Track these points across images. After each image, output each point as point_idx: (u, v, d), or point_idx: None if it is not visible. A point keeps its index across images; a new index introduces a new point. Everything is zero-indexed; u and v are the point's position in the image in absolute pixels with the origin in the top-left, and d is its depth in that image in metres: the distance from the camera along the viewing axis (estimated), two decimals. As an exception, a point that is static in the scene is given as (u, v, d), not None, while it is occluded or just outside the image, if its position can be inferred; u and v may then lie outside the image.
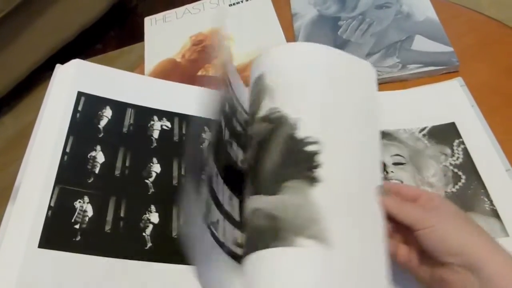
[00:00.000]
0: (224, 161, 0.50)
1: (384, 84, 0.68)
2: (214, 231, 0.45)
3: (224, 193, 0.49)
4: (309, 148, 0.47)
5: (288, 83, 0.52)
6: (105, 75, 0.62)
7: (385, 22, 0.75)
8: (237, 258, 0.46)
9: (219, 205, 0.48)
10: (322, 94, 0.52)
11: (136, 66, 0.86)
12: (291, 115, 0.49)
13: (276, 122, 0.50)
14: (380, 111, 0.54)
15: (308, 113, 0.50)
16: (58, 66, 0.61)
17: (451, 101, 0.63)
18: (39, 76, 1.52)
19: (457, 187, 0.55)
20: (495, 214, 0.53)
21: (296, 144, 0.48)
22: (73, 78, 0.59)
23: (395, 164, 0.58)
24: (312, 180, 0.46)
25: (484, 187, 0.55)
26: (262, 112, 0.51)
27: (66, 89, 0.58)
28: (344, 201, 0.46)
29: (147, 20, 0.90)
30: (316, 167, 0.46)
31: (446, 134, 0.60)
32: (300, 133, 0.48)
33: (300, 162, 0.47)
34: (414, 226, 0.43)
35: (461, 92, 0.64)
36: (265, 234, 0.44)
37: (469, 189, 0.55)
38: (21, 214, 0.48)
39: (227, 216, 0.48)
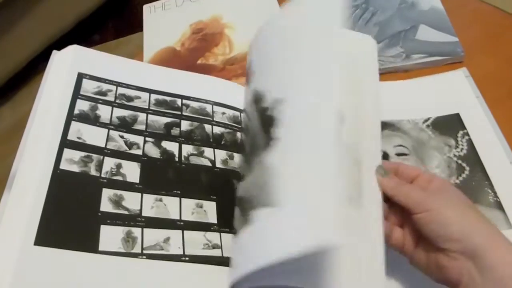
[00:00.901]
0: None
1: (388, 74, 0.66)
2: None
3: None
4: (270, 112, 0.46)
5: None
6: (108, 60, 0.61)
7: (389, 11, 0.74)
8: None
9: None
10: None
11: (134, 56, 0.85)
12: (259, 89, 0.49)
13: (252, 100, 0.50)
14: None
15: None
16: (55, 52, 0.60)
17: (456, 92, 0.62)
18: (36, 66, 1.51)
19: (460, 178, 0.55)
20: (499, 206, 0.52)
21: (260, 112, 0.47)
22: (72, 61, 0.58)
23: (398, 154, 0.57)
24: (268, 140, 0.45)
25: (488, 179, 0.54)
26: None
27: (65, 71, 0.57)
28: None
29: (146, 8, 0.89)
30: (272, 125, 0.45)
31: (450, 125, 0.59)
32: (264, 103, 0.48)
33: (263, 127, 0.46)
34: (413, 209, 0.41)
35: (466, 83, 0.63)
36: (237, 221, 0.45)
37: (473, 181, 0.54)
38: (18, 203, 0.47)
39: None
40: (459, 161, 0.56)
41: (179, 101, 0.60)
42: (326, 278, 0.40)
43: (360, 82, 0.51)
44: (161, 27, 0.85)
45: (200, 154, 0.55)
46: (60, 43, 0.62)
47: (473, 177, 0.54)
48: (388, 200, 0.44)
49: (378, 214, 0.43)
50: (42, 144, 0.51)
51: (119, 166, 0.52)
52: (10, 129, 1.41)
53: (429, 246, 0.41)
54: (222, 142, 0.57)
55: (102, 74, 0.58)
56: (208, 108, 0.60)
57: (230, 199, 0.52)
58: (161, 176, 0.53)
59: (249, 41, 0.76)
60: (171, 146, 0.55)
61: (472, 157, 0.56)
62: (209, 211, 0.51)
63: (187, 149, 0.56)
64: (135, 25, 0.95)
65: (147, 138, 0.55)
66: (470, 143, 0.57)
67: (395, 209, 0.44)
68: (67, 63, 0.58)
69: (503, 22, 0.70)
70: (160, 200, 0.51)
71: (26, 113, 0.53)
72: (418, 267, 0.42)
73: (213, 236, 0.49)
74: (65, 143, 0.51)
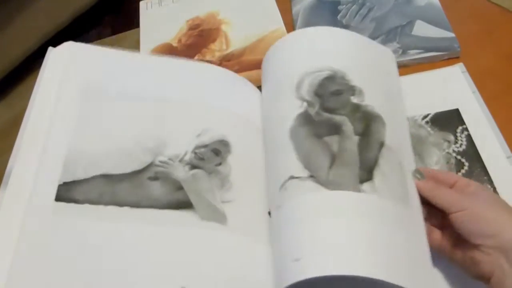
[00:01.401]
0: None
1: (385, 69, 0.66)
2: None
3: None
4: None
5: None
6: (104, 57, 0.60)
7: (385, 6, 0.74)
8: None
9: None
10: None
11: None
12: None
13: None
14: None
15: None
16: (50, 49, 0.59)
17: (453, 87, 0.62)
18: (32, 63, 1.50)
19: (460, 174, 0.55)
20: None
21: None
22: (68, 58, 0.57)
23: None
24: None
25: (487, 174, 0.54)
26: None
27: (60, 69, 0.56)
28: None
29: (143, 4, 0.88)
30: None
31: (449, 120, 0.59)
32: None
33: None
34: (449, 209, 0.44)
35: (463, 78, 0.63)
36: None
37: (472, 176, 0.54)
38: (13, 202, 0.47)
39: None
40: (458, 157, 0.56)
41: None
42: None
43: (389, 88, 0.55)
44: (158, 23, 0.84)
45: None
46: (56, 40, 0.61)
47: (472, 172, 0.55)
48: (427, 203, 0.47)
49: (420, 213, 0.47)
50: (38, 142, 0.51)
51: None
52: (5, 126, 1.41)
53: (465, 244, 0.44)
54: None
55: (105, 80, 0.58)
56: None
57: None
58: None
59: (245, 36, 0.76)
60: None
61: (471, 153, 0.56)
62: None
63: None
64: (132, 21, 0.94)
65: None
66: (469, 138, 0.57)
67: (434, 212, 0.47)
68: (63, 60, 0.57)
69: (499, 17, 0.71)
70: None
71: (21, 110, 0.53)
72: (456, 264, 0.45)
73: None
74: None
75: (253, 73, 0.71)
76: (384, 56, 0.59)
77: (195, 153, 0.53)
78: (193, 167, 0.52)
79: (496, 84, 0.63)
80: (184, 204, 0.49)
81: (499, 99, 0.61)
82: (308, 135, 0.50)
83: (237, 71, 0.72)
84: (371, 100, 0.52)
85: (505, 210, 0.44)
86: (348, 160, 0.48)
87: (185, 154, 0.52)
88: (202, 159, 0.53)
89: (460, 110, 0.60)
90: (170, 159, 0.52)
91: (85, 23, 1.68)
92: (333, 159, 0.48)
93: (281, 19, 0.78)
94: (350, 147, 0.48)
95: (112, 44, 1.47)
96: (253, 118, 0.58)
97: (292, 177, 0.48)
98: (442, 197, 0.45)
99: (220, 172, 0.52)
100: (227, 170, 0.53)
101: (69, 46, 0.59)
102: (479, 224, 0.42)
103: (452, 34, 0.68)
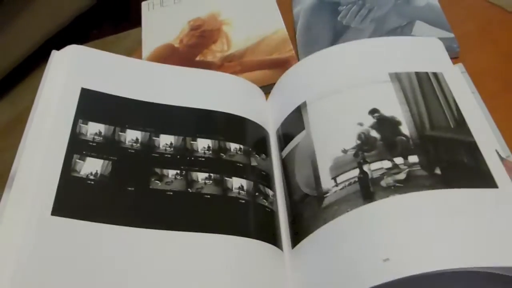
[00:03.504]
0: None
1: (384, 70, 0.67)
2: None
3: None
4: None
5: None
6: (107, 62, 0.61)
7: (385, 7, 0.74)
8: None
9: None
10: None
11: (133, 51, 0.85)
12: None
13: None
14: None
15: None
16: (54, 52, 0.60)
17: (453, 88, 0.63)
18: (34, 61, 1.51)
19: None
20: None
21: None
22: (73, 69, 0.58)
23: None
24: None
25: (486, 174, 0.54)
26: None
27: (64, 76, 0.57)
28: None
29: (144, 5, 0.89)
30: None
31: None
32: None
33: None
34: None
35: (462, 78, 0.63)
36: None
37: (472, 176, 0.54)
38: (17, 203, 0.47)
39: None
40: (458, 157, 0.56)
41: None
42: None
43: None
44: (160, 24, 0.85)
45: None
46: (58, 39, 0.62)
47: (472, 172, 0.55)
48: None
49: None
50: (41, 145, 0.51)
51: None
52: (8, 124, 1.42)
53: None
54: None
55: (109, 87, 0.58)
56: None
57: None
58: None
59: (247, 37, 0.76)
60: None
61: (470, 152, 0.56)
62: None
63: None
64: (133, 20, 0.95)
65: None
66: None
67: None
68: (66, 64, 0.58)
69: (498, 18, 0.71)
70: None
71: (24, 108, 0.53)
72: None
73: None
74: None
75: (255, 73, 0.72)
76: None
77: None
78: None
79: (495, 83, 0.63)
80: None
81: (498, 99, 0.61)
82: None
83: (239, 72, 0.73)
84: None
85: None
86: None
87: None
88: None
89: (459, 110, 0.60)
90: None
91: (87, 22, 1.68)
92: None
93: (281, 20, 0.79)
94: None
95: (113, 43, 1.47)
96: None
97: None
98: None
99: None
100: None
101: (72, 50, 0.59)
102: None
103: (451, 35, 0.68)
